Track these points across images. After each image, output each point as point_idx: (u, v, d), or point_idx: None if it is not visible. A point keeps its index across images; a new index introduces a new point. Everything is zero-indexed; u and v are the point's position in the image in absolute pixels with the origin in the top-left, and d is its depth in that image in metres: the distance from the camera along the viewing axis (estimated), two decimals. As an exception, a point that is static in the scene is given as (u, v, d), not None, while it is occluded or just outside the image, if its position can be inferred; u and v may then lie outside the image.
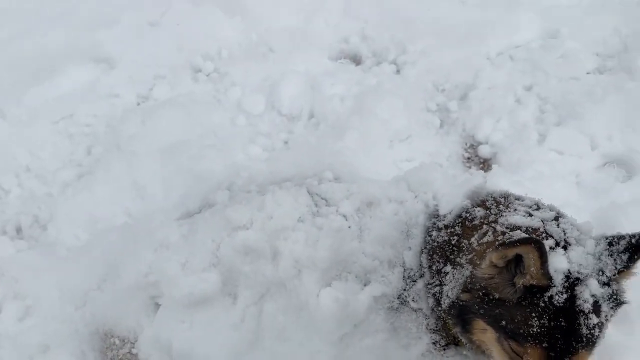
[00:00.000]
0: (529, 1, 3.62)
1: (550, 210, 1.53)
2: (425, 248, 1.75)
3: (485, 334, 1.46)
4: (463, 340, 1.70)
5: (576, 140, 2.83)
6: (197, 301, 1.73)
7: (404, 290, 1.81)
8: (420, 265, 1.77)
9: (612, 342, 1.92)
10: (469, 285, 1.45)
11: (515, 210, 1.53)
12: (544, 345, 1.27)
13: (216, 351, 1.69)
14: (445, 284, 1.61)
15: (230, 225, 1.83)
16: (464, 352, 1.86)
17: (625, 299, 1.41)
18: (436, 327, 1.80)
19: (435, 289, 1.68)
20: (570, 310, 1.26)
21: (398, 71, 3.28)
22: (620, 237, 1.35)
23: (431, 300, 1.74)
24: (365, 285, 1.80)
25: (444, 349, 1.84)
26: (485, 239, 1.49)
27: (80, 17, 3.35)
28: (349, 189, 1.93)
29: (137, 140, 2.58)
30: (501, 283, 1.36)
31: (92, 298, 1.91)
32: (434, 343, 1.82)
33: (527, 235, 1.30)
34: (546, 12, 3.56)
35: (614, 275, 1.30)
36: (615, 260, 1.32)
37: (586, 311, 1.26)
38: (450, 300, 1.55)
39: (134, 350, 1.78)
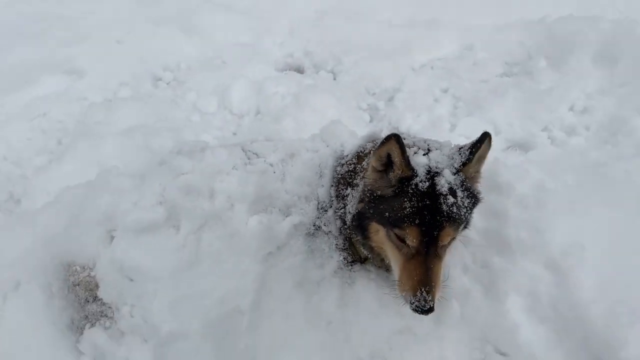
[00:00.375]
0: (448, 22, 4.20)
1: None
2: (333, 182, 2.15)
3: (378, 234, 1.84)
4: (365, 251, 2.08)
5: (482, 127, 3.29)
6: (145, 228, 2.04)
7: (318, 218, 2.17)
8: (330, 197, 2.16)
9: (495, 268, 2.34)
10: (362, 195, 1.85)
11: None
12: (417, 222, 1.66)
13: (161, 267, 2.01)
14: (347, 204, 2.00)
15: (175, 172, 2.19)
16: (368, 268, 2.22)
17: (481, 198, 1.85)
18: (344, 246, 2.17)
19: (341, 212, 2.06)
20: (432, 194, 1.67)
21: (334, 78, 3.78)
22: (467, 145, 1.78)
23: (339, 222, 2.12)
24: (286, 216, 2.17)
25: (351, 265, 2.20)
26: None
27: (55, 35, 3.77)
28: (275, 145, 2.32)
29: (102, 126, 2.96)
30: (382, 183, 1.76)
31: (57, 238, 2.22)
32: (343, 259, 2.18)
33: (389, 134, 1.68)
34: (462, 30, 4.14)
35: (460, 166, 1.72)
36: (461, 156, 1.74)
37: (444, 193, 1.67)
38: (352, 214, 1.94)
39: (92, 274, 2.08)
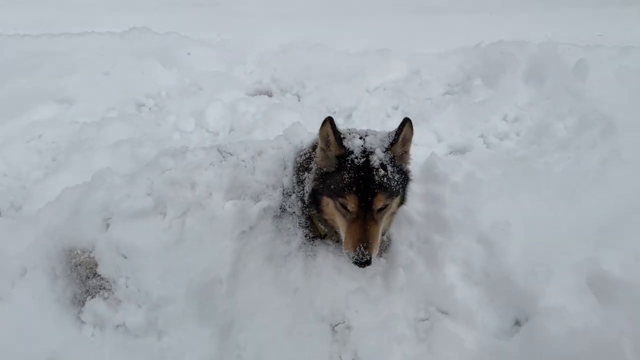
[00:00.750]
0: (398, 51, 4.71)
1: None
2: (294, 171, 2.54)
3: (329, 207, 2.22)
4: (323, 228, 2.46)
5: (427, 136, 3.76)
6: (136, 215, 2.35)
7: (283, 202, 2.53)
8: (292, 183, 2.53)
9: (435, 242, 2.72)
10: (315, 175, 2.25)
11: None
12: (354, 190, 2.05)
13: (151, 245, 2.33)
14: (305, 186, 2.39)
15: (161, 169, 2.54)
16: (327, 242, 2.58)
17: (411, 177, 2.27)
18: (306, 224, 2.52)
19: (301, 194, 2.44)
20: (367, 168, 2.08)
21: (299, 100, 4.22)
22: (394, 130, 2.22)
23: (300, 204, 2.49)
24: (257, 202, 2.54)
25: (313, 241, 2.56)
26: None
27: (47, 68, 4.14)
28: (246, 145, 2.70)
29: (93, 141, 3.31)
30: (327, 162, 2.17)
31: (59, 229, 2.53)
32: (305, 236, 2.53)
33: (325, 117, 2.08)
34: (410, 58, 4.66)
35: (389, 145, 2.15)
36: (389, 138, 2.17)
37: (376, 167, 2.07)
38: (308, 193, 2.33)
39: (91, 255, 2.38)
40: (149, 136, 3.46)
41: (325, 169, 2.16)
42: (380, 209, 2.10)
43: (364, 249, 2.02)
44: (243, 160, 2.60)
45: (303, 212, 2.48)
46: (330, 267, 2.49)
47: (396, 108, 4.08)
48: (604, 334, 2.26)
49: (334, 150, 2.10)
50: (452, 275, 2.59)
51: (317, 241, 2.53)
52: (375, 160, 2.08)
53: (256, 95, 4.29)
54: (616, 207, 2.92)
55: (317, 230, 2.52)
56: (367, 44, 4.74)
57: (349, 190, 2.05)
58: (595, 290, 2.51)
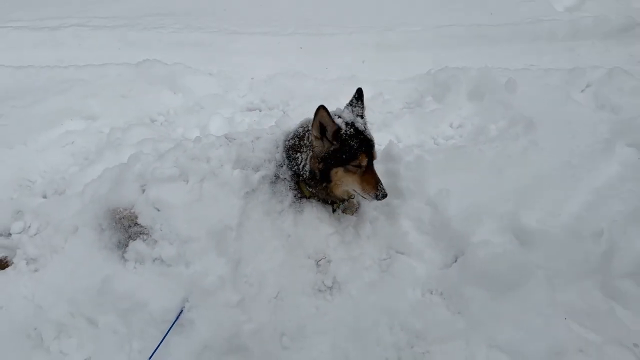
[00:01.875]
0: (365, 78, 5.52)
1: None
2: (284, 149, 3.24)
3: (338, 174, 2.84)
4: (309, 190, 3.11)
5: (388, 138, 4.53)
6: (166, 180, 2.99)
7: (277, 171, 3.21)
8: (282, 158, 3.22)
9: (394, 205, 3.43)
10: (318, 160, 2.86)
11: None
12: (363, 149, 2.76)
13: (176, 201, 2.92)
14: (300, 164, 2.99)
15: (184, 149, 3.22)
16: (311, 201, 3.26)
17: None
18: (294, 187, 3.22)
19: (295, 168, 3.02)
20: (361, 132, 2.78)
21: (284, 113, 4.99)
22: (352, 102, 2.97)
23: (290, 173, 3.19)
24: (257, 171, 3.24)
25: (300, 200, 3.25)
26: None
27: (75, 92, 4.82)
28: (247, 133, 3.43)
29: (120, 140, 4.01)
30: (324, 146, 2.80)
31: (103, 196, 3.17)
32: (294, 196, 3.22)
33: (318, 106, 2.78)
34: (374, 83, 5.45)
35: (362, 112, 2.89)
36: (357, 109, 2.93)
37: (364, 130, 2.81)
38: (307, 171, 2.96)
39: (132, 210, 3.01)
40: (165, 137, 4.17)
41: (324, 152, 2.82)
42: (374, 158, 2.83)
43: (381, 186, 2.78)
44: (245, 142, 3.31)
45: (292, 179, 3.13)
46: (314, 218, 3.14)
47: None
48: (517, 256, 2.95)
49: (332, 128, 2.74)
50: (406, 226, 3.26)
51: (304, 200, 3.10)
52: (360, 126, 2.82)
53: (249, 110, 5.03)
54: (533, 180, 3.62)
55: (303, 192, 3.18)
56: (338, 73, 5.44)
57: (360, 151, 2.75)
58: (517, 237, 3.19)
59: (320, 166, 2.77)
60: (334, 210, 3.25)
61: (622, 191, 3.29)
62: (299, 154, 2.90)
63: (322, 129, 2.77)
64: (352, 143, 2.67)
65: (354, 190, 2.82)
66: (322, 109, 2.68)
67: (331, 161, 2.73)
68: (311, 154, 2.82)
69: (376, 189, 2.73)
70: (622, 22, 6.77)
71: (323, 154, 2.78)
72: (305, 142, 2.82)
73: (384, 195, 2.74)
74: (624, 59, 5.95)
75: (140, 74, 5.06)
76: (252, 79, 5.25)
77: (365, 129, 2.88)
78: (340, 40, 6.61)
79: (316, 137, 2.81)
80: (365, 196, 2.77)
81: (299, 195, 3.10)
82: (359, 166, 2.73)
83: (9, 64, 5.51)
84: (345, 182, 2.83)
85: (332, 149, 2.79)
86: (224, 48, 6.16)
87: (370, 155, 2.75)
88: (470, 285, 2.68)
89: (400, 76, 5.62)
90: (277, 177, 3.11)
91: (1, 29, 6.54)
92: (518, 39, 6.69)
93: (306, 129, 2.86)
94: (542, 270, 2.97)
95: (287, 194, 3.07)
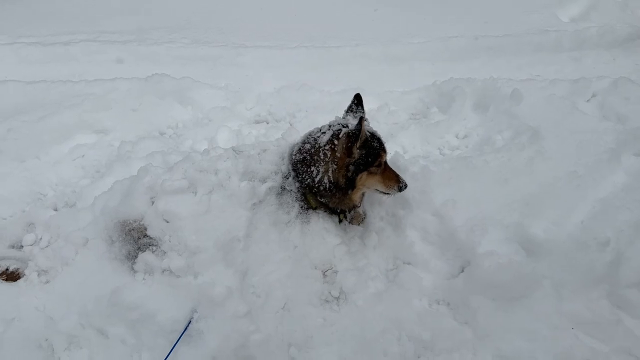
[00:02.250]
0: (370, 89, 5.55)
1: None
2: (290, 161, 3.29)
3: (362, 177, 2.90)
4: (333, 201, 3.10)
5: (394, 149, 4.57)
6: (175, 192, 3.06)
7: (283, 183, 3.27)
8: (288, 169, 3.29)
9: (400, 216, 3.46)
10: (349, 166, 2.90)
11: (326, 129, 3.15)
12: (383, 149, 2.88)
13: (185, 212, 2.98)
14: (314, 177, 2.91)
15: (192, 161, 3.28)
16: (317, 212, 3.30)
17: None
18: (301, 198, 3.26)
19: (307, 180, 3.05)
20: (375, 135, 2.90)
21: (291, 126, 5.04)
22: (352, 107, 3.03)
23: (297, 185, 3.23)
24: (264, 182, 3.28)
25: (307, 211, 3.29)
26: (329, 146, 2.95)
27: (86, 106, 4.90)
28: (254, 146, 3.49)
29: (130, 154, 4.08)
30: (357, 153, 2.86)
31: (114, 208, 3.23)
32: (301, 207, 3.26)
33: (359, 119, 2.81)
34: (380, 95, 5.52)
35: (364, 115, 2.93)
36: (358, 113, 2.98)
37: (373, 132, 2.89)
38: (326, 183, 2.97)
39: (141, 222, 3.06)
40: (174, 150, 4.23)
41: (355, 161, 2.89)
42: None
43: (402, 179, 2.97)
44: (252, 155, 3.36)
45: (299, 190, 3.18)
46: (320, 228, 3.18)
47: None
48: (524, 266, 2.96)
49: (362, 138, 2.83)
50: (412, 236, 3.26)
51: (310, 211, 3.15)
52: (371, 129, 2.94)
53: (256, 123, 5.09)
54: (539, 190, 3.64)
55: (309, 203, 3.22)
56: (344, 85, 5.48)
57: (381, 152, 2.92)
58: (523, 247, 3.20)
59: (350, 174, 2.84)
60: (340, 221, 3.27)
61: (628, 201, 3.29)
62: (312, 167, 2.90)
63: (357, 139, 2.85)
64: (374, 145, 2.82)
65: (376, 189, 2.98)
66: (363, 120, 2.77)
67: (360, 167, 2.83)
68: (334, 166, 2.84)
69: (398, 182, 2.93)
70: (627, 31, 6.78)
71: (352, 162, 2.88)
72: (321, 156, 2.83)
73: (406, 186, 2.96)
74: (629, 69, 5.96)
75: (150, 88, 5.13)
76: (258, 92, 5.28)
77: (375, 133, 3.00)
78: (345, 52, 6.68)
79: (358, 147, 2.87)
80: (389, 192, 2.96)
81: (305, 206, 3.13)
82: (379, 165, 2.89)
83: (21, 79, 5.61)
84: (369, 184, 2.94)
85: (359, 155, 2.89)
86: (231, 62, 6.24)
87: (385, 153, 2.91)
88: (477, 296, 2.68)
89: (405, 87, 5.66)
90: (283, 188, 3.14)
91: (13, 45, 6.65)
92: (523, 49, 6.72)
93: (319, 145, 2.89)
94: (549, 280, 2.97)
95: (294, 205, 3.10)
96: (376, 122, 5.00)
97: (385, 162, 2.91)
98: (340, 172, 2.83)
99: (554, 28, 7.31)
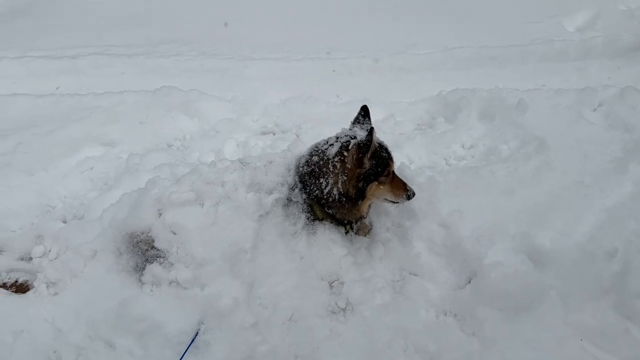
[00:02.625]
0: (377, 100, 5.60)
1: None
2: (296, 172, 3.32)
3: (372, 187, 2.95)
4: (341, 212, 3.12)
5: (400, 159, 4.59)
6: (182, 204, 3.09)
7: (289, 194, 3.29)
8: (295, 181, 3.32)
9: (406, 226, 3.47)
10: (359, 177, 2.96)
11: (333, 141, 3.18)
12: (391, 159, 2.95)
13: (192, 224, 3.01)
14: (323, 189, 2.95)
15: (199, 173, 3.32)
16: (323, 223, 3.32)
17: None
18: (307, 210, 3.29)
19: (315, 192, 3.09)
20: (380, 144, 2.93)
21: (298, 137, 5.08)
22: (359, 119, 3.08)
23: (303, 196, 3.26)
24: (270, 194, 3.31)
25: (313, 222, 3.31)
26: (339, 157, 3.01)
27: (94, 119, 4.98)
28: (260, 158, 3.53)
29: (138, 166, 4.13)
30: (368, 164, 2.93)
31: (122, 221, 3.27)
32: (307, 219, 3.28)
33: (368, 129, 2.87)
34: (386, 106, 5.55)
35: (372, 127, 2.93)
36: (367, 124, 3.02)
37: (381, 142, 2.93)
38: (336, 194, 2.99)
39: (149, 234, 3.09)
40: (181, 162, 4.27)
41: (366, 169, 2.94)
42: None
43: (409, 187, 3.03)
44: (258, 167, 3.39)
45: (305, 202, 3.21)
46: (327, 239, 3.19)
47: (376, 142, 4.93)
48: (530, 276, 2.96)
49: (373, 149, 2.88)
50: (419, 247, 3.29)
51: (316, 222, 3.16)
52: (379, 140, 2.97)
53: (263, 134, 5.14)
54: (546, 200, 3.66)
55: (315, 214, 3.25)
56: (350, 96, 5.55)
57: (390, 162, 2.99)
58: (530, 257, 3.20)
59: (360, 185, 2.88)
60: (346, 232, 3.29)
61: (635, 210, 3.29)
62: (321, 179, 2.93)
63: (368, 150, 2.90)
64: (383, 155, 2.89)
65: (385, 199, 3.03)
66: (373, 131, 2.82)
67: (370, 177, 2.88)
68: (345, 177, 2.87)
69: (406, 190, 2.99)
70: (633, 40, 6.80)
71: (363, 173, 2.93)
72: (330, 167, 2.86)
73: (414, 194, 3.01)
74: (635, 78, 5.95)
75: (157, 101, 5.20)
76: (264, 104, 5.34)
77: (382, 143, 3.07)
78: (351, 63, 6.72)
79: (368, 158, 2.91)
80: (398, 200, 3.02)
81: (311, 218, 3.15)
82: (388, 175, 2.99)
83: (31, 93, 5.70)
84: (378, 194, 2.98)
85: (369, 166, 2.94)
86: (237, 74, 6.32)
87: (393, 163, 2.97)
88: (484, 307, 2.68)
89: (411, 98, 5.70)
90: (289, 200, 3.19)
91: (22, 59, 6.77)
92: (528, 59, 6.75)
93: (328, 157, 2.93)
94: (556, 291, 2.98)
95: (300, 217, 3.12)
96: (382, 132, 5.02)
97: (393, 172, 2.96)
98: (351, 182, 2.85)
99: (560, 38, 7.34)
